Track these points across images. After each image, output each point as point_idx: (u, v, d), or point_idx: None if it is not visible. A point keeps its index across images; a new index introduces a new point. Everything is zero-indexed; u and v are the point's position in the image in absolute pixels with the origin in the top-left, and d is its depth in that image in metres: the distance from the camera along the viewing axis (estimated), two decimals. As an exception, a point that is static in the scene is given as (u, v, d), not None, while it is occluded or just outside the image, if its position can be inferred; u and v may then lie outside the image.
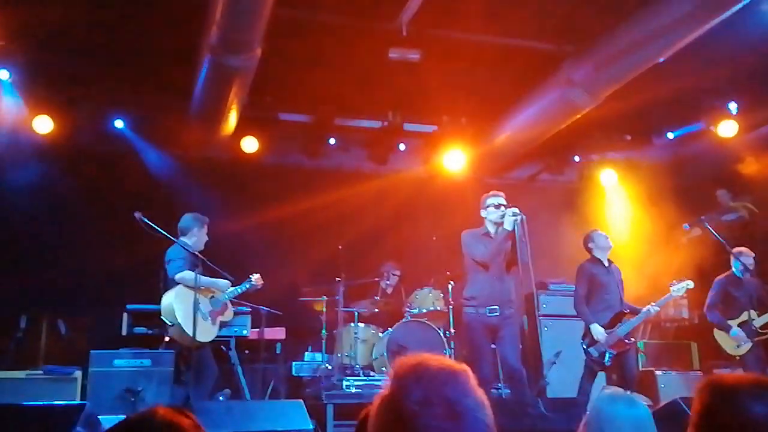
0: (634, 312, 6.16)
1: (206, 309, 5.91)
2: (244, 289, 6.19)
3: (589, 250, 6.39)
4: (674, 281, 6.17)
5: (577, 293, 6.29)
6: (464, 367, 1.32)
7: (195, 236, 6.01)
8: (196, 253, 5.89)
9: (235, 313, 6.75)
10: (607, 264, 6.34)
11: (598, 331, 6.02)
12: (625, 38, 6.41)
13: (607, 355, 6.01)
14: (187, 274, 5.77)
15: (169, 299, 5.76)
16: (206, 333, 5.85)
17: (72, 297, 7.58)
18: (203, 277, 5.81)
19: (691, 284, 6.18)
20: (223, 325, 6.18)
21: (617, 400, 2.39)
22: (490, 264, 5.67)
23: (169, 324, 5.73)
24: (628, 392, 2.81)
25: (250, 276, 6.24)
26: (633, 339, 6.18)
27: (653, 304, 6.12)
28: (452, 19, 6.90)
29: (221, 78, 6.76)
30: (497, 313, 5.62)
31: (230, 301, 6.24)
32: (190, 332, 5.58)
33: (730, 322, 6.73)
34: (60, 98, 7.62)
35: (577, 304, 6.28)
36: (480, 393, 1.28)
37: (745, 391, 1.64)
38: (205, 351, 5.90)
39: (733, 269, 6.84)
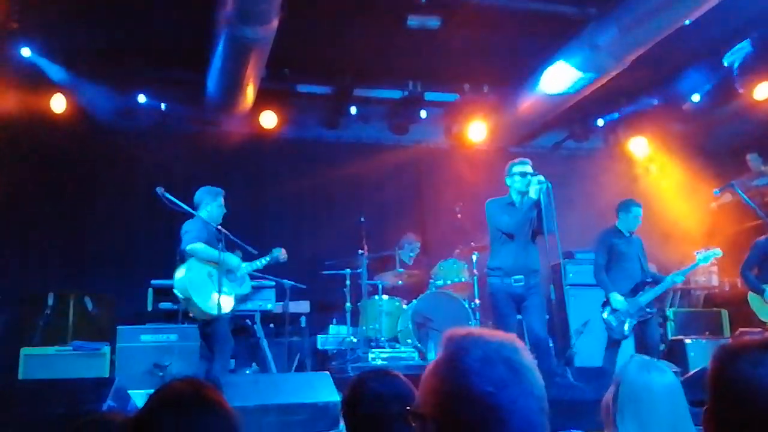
0: (658, 281, 6.08)
1: (216, 281, 5.71)
2: (264, 263, 6.06)
3: (617, 216, 6.30)
4: (701, 249, 6.09)
5: (597, 262, 6.28)
6: (513, 335, 1.33)
7: (206, 209, 5.87)
8: (218, 227, 5.79)
9: (260, 287, 6.76)
10: (627, 235, 6.26)
11: (617, 299, 6.00)
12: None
13: (627, 323, 5.94)
14: (199, 246, 5.64)
15: (181, 272, 5.68)
16: (219, 306, 5.66)
17: (98, 274, 7.67)
18: (215, 251, 5.69)
19: (719, 252, 6.09)
20: (240, 298, 6.01)
21: (650, 369, 2.34)
22: (515, 234, 5.59)
23: (181, 297, 5.64)
24: (655, 360, 2.76)
25: (273, 250, 6.15)
26: (655, 308, 6.12)
27: (677, 272, 6.05)
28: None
29: (238, 51, 6.68)
30: (522, 283, 5.55)
31: (252, 274, 6.19)
32: (201, 306, 5.51)
33: (765, 286, 6.57)
34: (79, 74, 7.59)
35: (596, 272, 6.28)
36: (530, 355, 1.30)
37: (747, 354, 1.60)
38: (219, 324, 5.71)
39: None
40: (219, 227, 5.76)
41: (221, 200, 5.95)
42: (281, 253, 6.11)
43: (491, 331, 1.32)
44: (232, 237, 5.79)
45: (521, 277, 5.55)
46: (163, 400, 1.62)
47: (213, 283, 5.62)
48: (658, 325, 6.93)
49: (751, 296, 6.69)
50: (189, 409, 1.57)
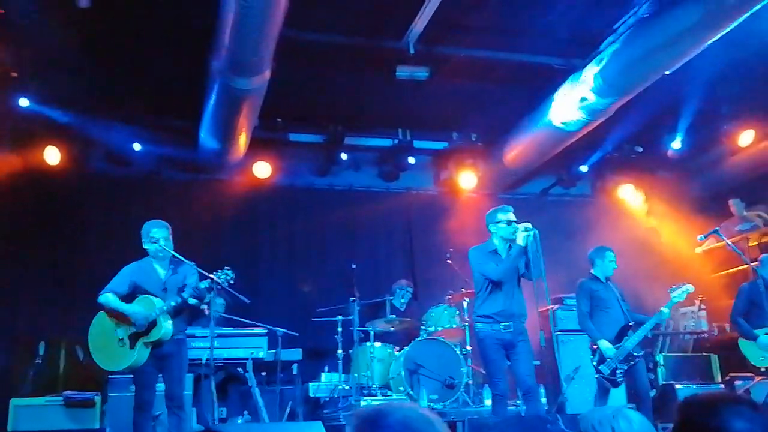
0: (641, 323, 6.07)
1: (124, 333, 5.20)
2: (185, 298, 5.18)
3: (592, 264, 6.30)
4: (673, 286, 6.04)
5: (580, 311, 6.23)
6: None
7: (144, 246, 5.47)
8: (212, 277, 5.25)
9: (251, 335, 6.74)
10: (604, 280, 6.26)
11: (606, 347, 5.93)
12: (634, 49, 6.41)
13: (618, 370, 5.92)
14: (104, 298, 5.26)
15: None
16: (118, 360, 5.17)
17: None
18: (120, 303, 5.22)
19: (690, 288, 6.05)
20: (153, 345, 5.18)
21: (632, 418, 2.34)
22: (503, 282, 5.60)
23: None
24: (626, 406, 2.75)
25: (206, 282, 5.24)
26: (642, 351, 6.08)
27: (663, 308, 6.01)
28: (459, 35, 6.95)
29: (231, 101, 6.81)
30: (511, 329, 5.53)
31: (244, 322, 6.02)
32: (100, 363, 5.21)
33: (756, 331, 6.62)
34: (75, 123, 7.65)
35: (581, 321, 6.23)
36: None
37: (724, 407, 1.65)
38: (136, 376, 5.27)
39: (760, 276, 6.72)
40: (213, 277, 5.25)
41: (155, 234, 5.38)
42: (221, 275, 5.27)
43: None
44: (227, 287, 5.39)
45: (510, 323, 5.54)
46: None
47: (114, 335, 5.22)
48: (648, 370, 6.93)
49: (742, 341, 6.73)
50: None
